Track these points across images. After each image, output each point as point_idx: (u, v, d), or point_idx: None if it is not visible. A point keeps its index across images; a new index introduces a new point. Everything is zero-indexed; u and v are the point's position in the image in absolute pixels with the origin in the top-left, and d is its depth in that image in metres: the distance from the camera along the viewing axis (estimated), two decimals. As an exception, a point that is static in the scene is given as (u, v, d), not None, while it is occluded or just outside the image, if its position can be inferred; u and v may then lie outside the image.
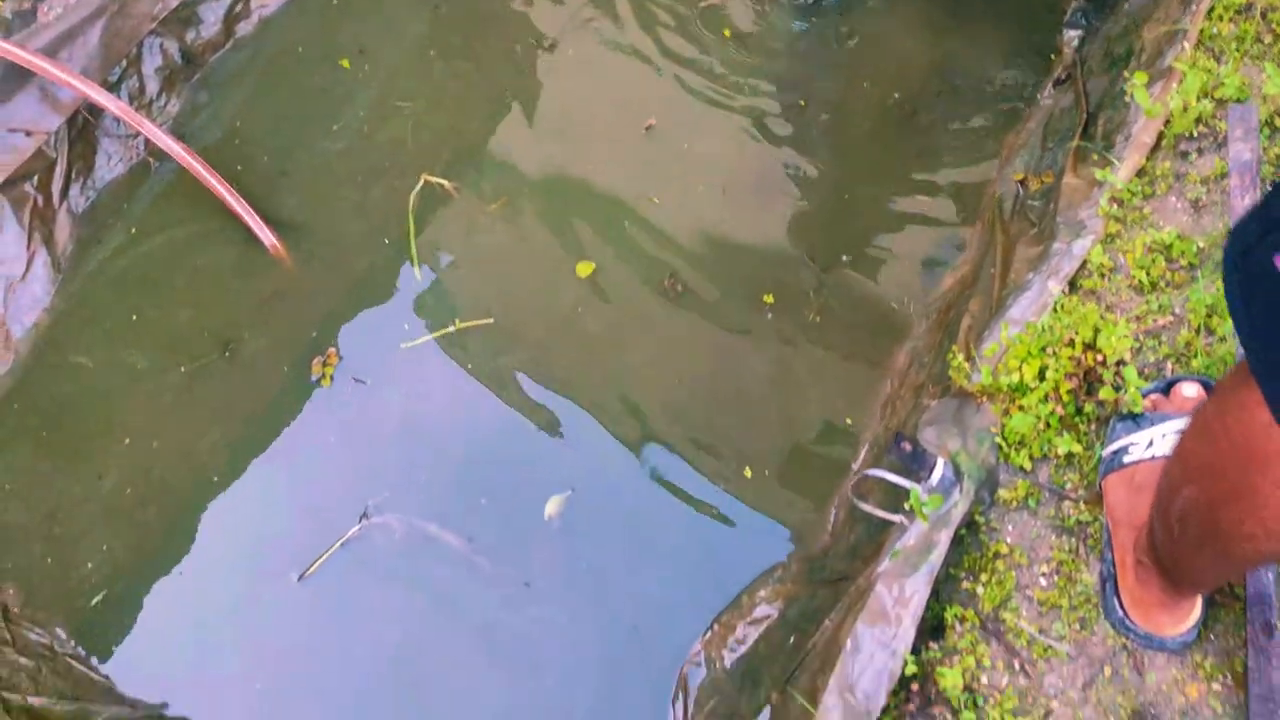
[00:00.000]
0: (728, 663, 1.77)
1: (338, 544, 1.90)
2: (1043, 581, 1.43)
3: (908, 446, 1.48)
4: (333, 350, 2.12)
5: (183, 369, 2.13)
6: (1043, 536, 1.47)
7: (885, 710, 1.34)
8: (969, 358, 1.69)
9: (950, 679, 1.35)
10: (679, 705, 1.77)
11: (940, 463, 1.48)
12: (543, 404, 2.06)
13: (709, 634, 1.81)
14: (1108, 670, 1.33)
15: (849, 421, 2.00)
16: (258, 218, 2.25)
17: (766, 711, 1.66)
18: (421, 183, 2.37)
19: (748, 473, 1.96)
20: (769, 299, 2.17)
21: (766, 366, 2.09)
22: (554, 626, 1.84)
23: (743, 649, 1.78)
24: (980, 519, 1.50)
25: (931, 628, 1.43)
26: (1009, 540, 1.47)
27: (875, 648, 1.38)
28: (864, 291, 2.19)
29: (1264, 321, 0.74)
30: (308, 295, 2.22)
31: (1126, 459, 1.40)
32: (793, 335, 2.12)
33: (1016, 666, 1.36)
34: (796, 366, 2.09)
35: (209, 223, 2.31)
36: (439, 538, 1.91)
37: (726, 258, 2.25)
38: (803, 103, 2.48)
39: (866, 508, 1.59)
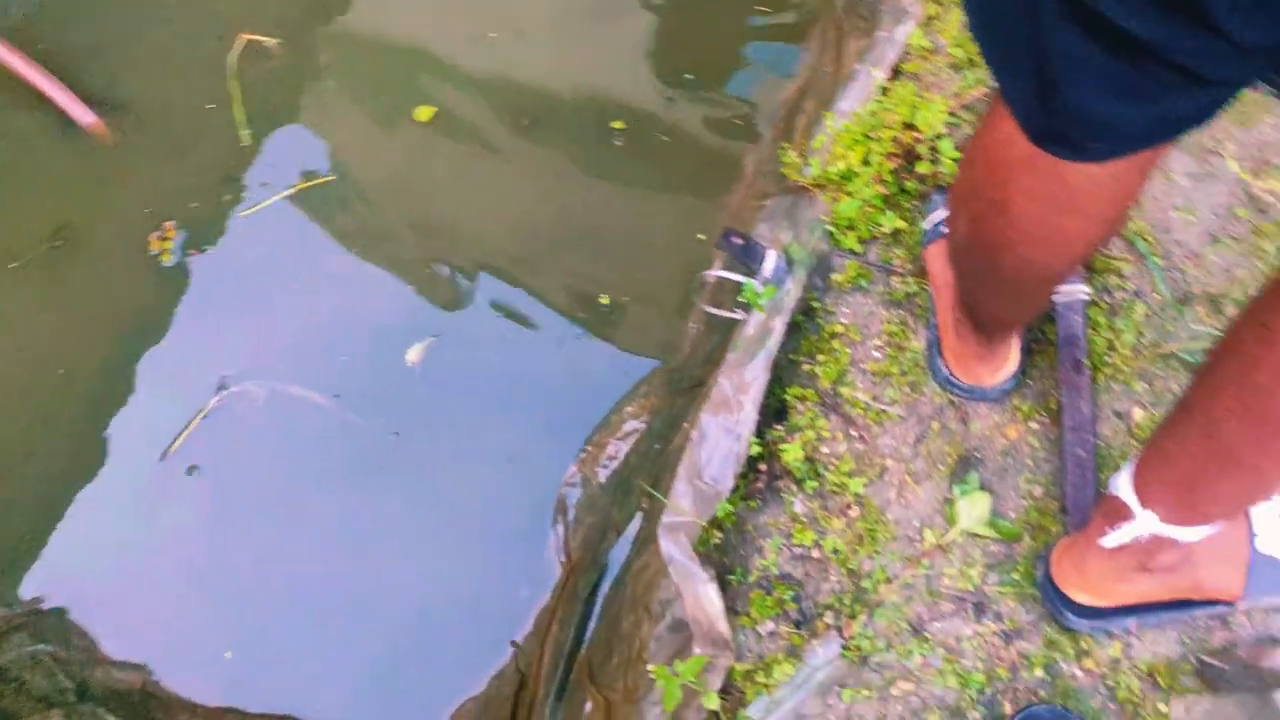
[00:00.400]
0: (602, 479, 1.82)
1: (198, 418, 1.87)
2: (875, 354, 1.48)
3: (738, 240, 1.50)
4: (169, 224, 2.04)
5: (12, 265, 2.03)
6: (875, 313, 1.52)
7: (734, 491, 1.39)
8: (801, 154, 1.71)
9: (792, 453, 1.41)
10: (559, 526, 1.82)
11: (770, 254, 1.50)
12: (393, 254, 2.03)
13: (583, 454, 1.85)
14: (936, 425, 1.41)
15: (701, 238, 2.02)
16: (73, 96, 2.12)
17: (638, 517, 1.73)
18: (243, 43, 2.25)
19: (604, 299, 1.97)
20: (618, 125, 2.14)
21: (618, 192, 2.08)
22: (429, 470, 1.86)
23: (615, 464, 1.82)
24: (816, 304, 1.54)
25: (775, 411, 1.48)
26: (843, 320, 1.52)
27: (720, 435, 1.42)
28: (710, 108, 2.17)
29: (990, 19, 0.75)
30: (135, 172, 2.12)
31: (945, 228, 1.44)
32: (643, 158, 2.11)
33: (854, 434, 1.43)
34: (648, 189, 2.09)
35: (20, 110, 2.17)
36: (304, 398, 1.90)
37: (571, 86, 2.21)
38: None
39: (710, 310, 1.62)
